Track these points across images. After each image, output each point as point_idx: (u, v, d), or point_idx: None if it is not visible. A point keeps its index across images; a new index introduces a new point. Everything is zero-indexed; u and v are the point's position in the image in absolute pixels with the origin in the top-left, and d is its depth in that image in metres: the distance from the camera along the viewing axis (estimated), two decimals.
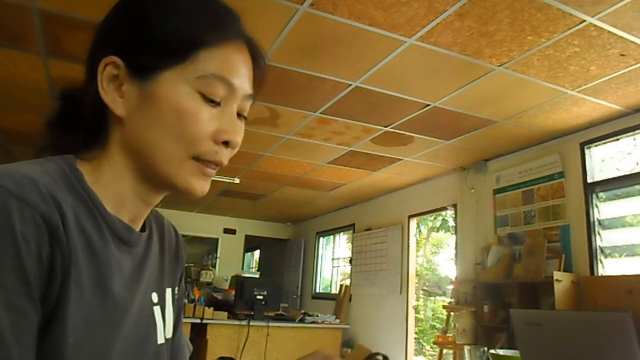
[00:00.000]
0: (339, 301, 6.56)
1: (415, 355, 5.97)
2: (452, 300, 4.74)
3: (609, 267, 3.54)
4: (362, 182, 5.89)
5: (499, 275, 4.11)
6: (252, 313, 4.88)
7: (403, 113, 3.71)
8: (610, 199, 3.66)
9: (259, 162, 5.27)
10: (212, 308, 4.84)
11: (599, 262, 3.56)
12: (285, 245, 9.43)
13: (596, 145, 3.76)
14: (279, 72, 3.11)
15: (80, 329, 0.52)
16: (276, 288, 5.36)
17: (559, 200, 3.91)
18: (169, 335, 0.70)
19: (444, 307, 5.32)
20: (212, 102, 0.59)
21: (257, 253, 12.47)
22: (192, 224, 8.37)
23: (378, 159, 4.92)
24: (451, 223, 7.38)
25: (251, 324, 4.82)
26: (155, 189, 0.63)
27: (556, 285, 3.40)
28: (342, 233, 7.95)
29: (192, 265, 6.66)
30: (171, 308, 0.72)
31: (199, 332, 4.72)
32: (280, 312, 5.33)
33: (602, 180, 3.65)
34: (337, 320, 5.70)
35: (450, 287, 5.00)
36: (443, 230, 9.37)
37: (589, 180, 3.71)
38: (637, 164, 3.43)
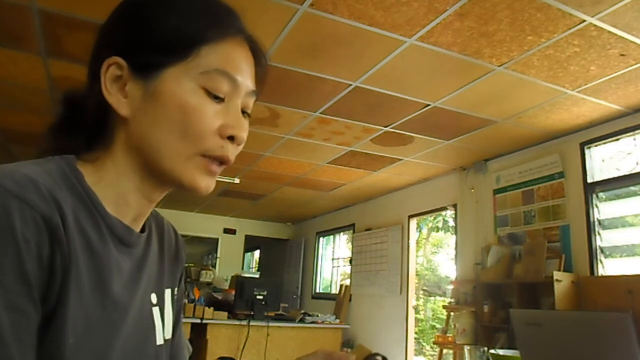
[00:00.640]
0: (339, 301, 6.56)
1: (415, 355, 5.97)
2: (452, 300, 4.74)
3: (609, 267, 3.54)
4: (362, 182, 5.89)
5: (499, 275, 4.11)
6: (252, 313, 4.88)
7: (403, 113, 3.71)
8: (610, 199, 3.66)
9: (259, 162, 5.27)
10: (212, 308, 4.84)
11: (599, 262, 3.56)
12: (285, 245, 9.43)
13: (596, 145, 3.76)
14: (279, 72, 3.11)
15: (80, 329, 0.52)
16: (276, 288, 5.36)
17: (559, 200, 3.91)
18: (168, 336, 0.70)
19: (444, 307, 5.32)
20: (216, 97, 0.59)
21: (257, 253, 12.47)
22: (192, 224, 8.37)
23: (378, 159, 4.92)
24: (451, 223, 7.38)
25: (251, 324, 4.82)
26: (159, 185, 0.63)
27: (556, 285, 3.40)
28: (342, 233, 7.95)
29: (192, 265, 6.66)
30: (170, 309, 0.72)
31: (199, 332, 4.72)
32: (280, 312, 5.33)
33: (602, 180, 3.65)
34: (337, 320, 5.70)
35: (450, 287, 5.00)
36: (443, 231, 9.37)
37: (589, 180, 3.71)
38: (637, 164, 3.43)
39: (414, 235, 5.92)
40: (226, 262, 8.58)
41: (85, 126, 0.62)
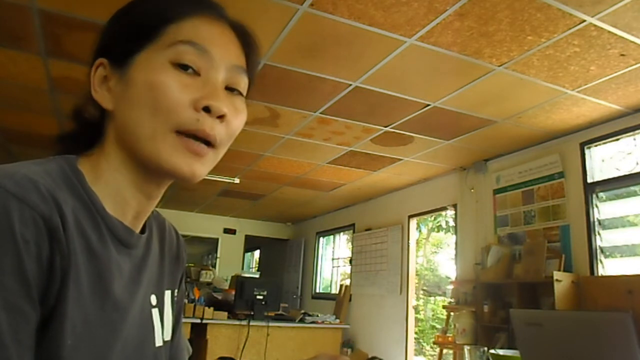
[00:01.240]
0: (339, 301, 6.56)
1: (415, 355, 5.96)
2: (452, 300, 4.74)
3: (609, 267, 3.54)
4: (362, 182, 5.89)
5: (499, 275, 4.11)
6: (252, 313, 4.88)
7: (403, 113, 3.71)
8: (610, 199, 3.66)
9: (259, 162, 5.27)
10: (212, 308, 4.85)
11: (599, 262, 3.56)
12: (285, 245, 9.43)
13: (596, 145, 3.76)
14: (279, 72, 3.11)
15: (79, 330, 0.52)
16: (276, 288, 5.37)
17: (559, 200, 3.91)
18: (168, 337, 0.70)
19: (444, 307, 5.32)
20: (183, 67, 0.58)
21: (257, 253, 12.47)
22: (192, 224, 8.37)
23: (378, 159, 4.92)
24: (451, 223, 7.38)
25: (251, 324, 4.82)
26: (152, 178, 0.62)
27: (556, 285, 3.40)
28: (342, 233, 7.95)
29: (192, 265, 6.67)
30: (170, 310, 0.71)
31: (199, 332, 4.72)
32: (280, 312, 5.34)
33: (602, 180, 3.65)
34: (337, 320, 5.70)
35: (450, 287, 4.99)
36: (443, 231, 9.37)
37: (589, 180, 3.71)
38: (637, 164, 3.43)
39: (414, 235, 5.92)
40: (226, 262, 8.58)
41: (90, 131, 0.64)
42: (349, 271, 7.20)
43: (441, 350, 4.70)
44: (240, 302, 4.91)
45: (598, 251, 3.58)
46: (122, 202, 0.61)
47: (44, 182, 0.51)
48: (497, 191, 4.55)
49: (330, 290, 7.92)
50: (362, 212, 7.01)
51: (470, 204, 4.88)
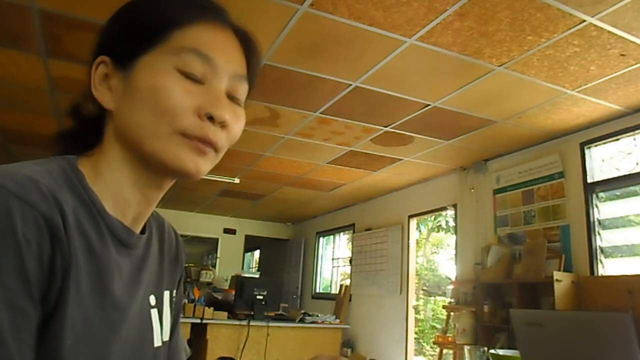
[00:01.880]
0: (339, 301, 6.56)
1: (415, 355, 5.96)
2: (452, 300, 4.74)
3: (609, 267, 3.54)
4: (362, 182, 5.89)
5: (499, 275, 4.11)
6: (252, 313, 4.88)
7: (403, 113, 3.71)
8: (610, 199, 3.66)
9: (259, 162, 5.27)
10: (212, 308, 4.84)
11: (599, 262, 3.56)
12: (285, 245, 9.43)
13: (596, 145, 3.76)
14: (279, 72, 3.11)
15: (78, 329, 0.52)
16: (276, 288, 5.37)
17: (559, 200, 3.91)
18: (166, 338, 0.70)
19: (444, 307, 5.32)
20: (189, 77, 0.58)
21: (257, 253, 12.47)
22: (192, 224, 8.37)
23: (378, 159, 4.92)
24: (451, 223, 7.38)
25: (251, 324, 4.82)
26: (152, 177, 0.62)
27: (556, 285, 3.40)
28: (342, 233, 7.95)
29: (192, 265, 6.66)
30: (169, 311, 0.71)
31: (199, 332, 4.72)
32: (280, 312, 5.33)
33: (602, 180, 3.65)
34: (337, 320, 5.70)
35: (450, 287, 4.99)
36: (443, 231, 9.37)
37: (589, 180, 3.71)
38: (637, 164, 3.44)
39: (414, 235, 5.92)
40: (226, 262, 8.58)
41: (89, 129, 0.63)
42: (349, 271, 7.20)
43: (441, 351, 4.70)
44: (240, 302, 4.91)
45: (598, 251, 3.58)
46: (122, 202, 0.61)
47: (45, 182, 0.51)
48: (497, 191, 4.56)
49: (330, 290, 7.92)
50: (362, 212, 7.01)
51: (470, 204, 4.88)
